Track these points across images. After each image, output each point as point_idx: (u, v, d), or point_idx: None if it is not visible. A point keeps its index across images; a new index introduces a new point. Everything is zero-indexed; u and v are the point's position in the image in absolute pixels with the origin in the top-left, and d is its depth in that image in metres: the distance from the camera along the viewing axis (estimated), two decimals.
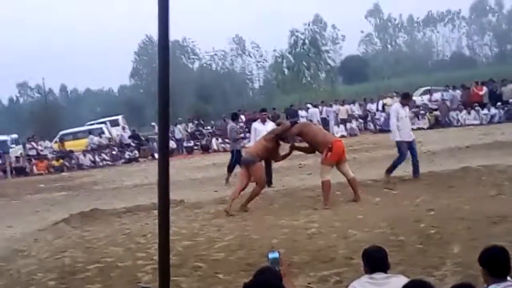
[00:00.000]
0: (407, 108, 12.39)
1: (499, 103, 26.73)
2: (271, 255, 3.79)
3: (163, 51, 2.09)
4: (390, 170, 11.93)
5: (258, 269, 4.08)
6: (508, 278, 3.73)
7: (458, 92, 28.95)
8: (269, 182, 12.90)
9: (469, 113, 26.64)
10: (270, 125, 13.41)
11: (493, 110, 26.34)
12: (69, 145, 30.66)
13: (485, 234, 7.00)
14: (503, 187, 9.78)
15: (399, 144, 11.98)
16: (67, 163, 28.42)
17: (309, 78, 46.84)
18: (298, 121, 12.45)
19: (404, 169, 13.38)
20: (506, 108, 26.34)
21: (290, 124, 11.16)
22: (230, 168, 15.16)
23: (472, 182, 10.59)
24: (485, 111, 26.51)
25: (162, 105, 2.06)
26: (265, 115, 14.28)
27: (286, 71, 48.80)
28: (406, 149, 11.90)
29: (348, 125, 29.44)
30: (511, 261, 3.77)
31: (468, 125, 25.65)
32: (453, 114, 27.30)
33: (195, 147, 30.43)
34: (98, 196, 15.75)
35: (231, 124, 16.28)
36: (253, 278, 3.73)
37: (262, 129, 13.37)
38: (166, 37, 2.07)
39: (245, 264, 7.03)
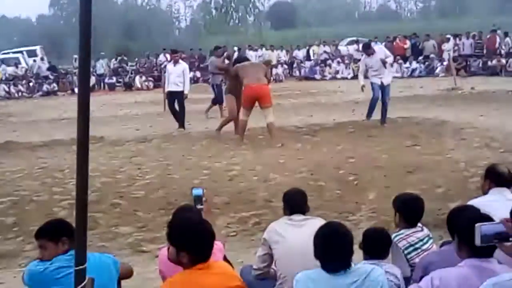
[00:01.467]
0: (374, 57, 12.15)
1: (420, 58, 27.51)
2: (195, 192, 3.78)
3: None
4: (369, 115, 12.25)
5: (178, 207, 4.07)
6: (419, 224, 3.89)
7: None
8: (181, 125, 13.06)
9: (391, 65, 27.20)
10: (181, 67, 13.42)
11: (415, 64, 27.10)
12: None
13: (400, 183, 7.27)
14: (419, 139, 10.14)
15: (372, 86, 12.18)
16: None
17: (237, 21, 46.33)
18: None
19: (326, 117, 13.66)
20: (426, 63, 27.15)
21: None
22: (214, 101, 15.42)
23: (390, 133, 10.92)
24: (407, 64, 27.23)
25: (83, 36, 1.95)
26: (176, 57, 13.97)
27: (214, 12, 47.99)
28: (378, 90, 12.08)
29: (274, 70, 29.51)
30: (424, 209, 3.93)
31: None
32: None
33: (118, 84, 29.66)
34: (12, 128, 15.14)
35: (212, 58, 16.01)
36: (174, 216, 3.71)
37: (173, 71, 13.36)
38: None
39: (165, 203, 7.01)
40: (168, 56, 31.57)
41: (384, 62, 11.86)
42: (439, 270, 2.87)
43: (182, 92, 13.24)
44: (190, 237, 2.90)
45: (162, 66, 29.96)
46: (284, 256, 4.02)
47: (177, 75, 13.26)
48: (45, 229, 3.42)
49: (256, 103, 10.70)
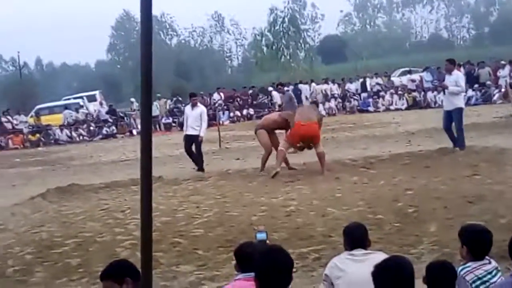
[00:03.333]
0: (448, 78, 12.32)
1: (476, 85, 27.01)
2: (259, 236, 3.82)
3: (146, 22, 2.05)
4: (462, 144, 11.91)
5: (241, 245, 4.09)
6: (486, 256, 3.80)
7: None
8: (201, 168, 12.93)
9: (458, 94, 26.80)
10: (198, 110, 13.21)
11: (470, 92, 26.59)
12: (46, 119, 30.29)
13: (461, 214, 7.12)
14: (478, 168, 9.90)
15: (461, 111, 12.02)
16: (43, 138, 28.12)
17: (288, 57, 46.75)
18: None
19: (381, 149, 13.54)
20: (482, 90, 26.64)
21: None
22: None
23: (448, 163, 10.71)
24: (443, 96, 26.73)
25: (145, 79, 2.04)
26: (194, 100, 13.59)
27: (265, 49, 48.60)
28: (444, 116, 12.20)
29: (327, 104, 29.54)
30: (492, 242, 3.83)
31: None
32: (431, 95, 27.52)
33: (173, 124, 30.31)
34: (75, 171, 15.63)
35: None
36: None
37: (190, 114, 13.19)
38: (149, 9, 2.04)
39: (224, 241, 7.06)
40: (222, 94, 32.19)
41: (443, 87, 11.83)
42: None
43: (198, 136, 13.00)
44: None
45: (217, 104, 30.53)
46: None
47: (195, 118, 13.05)
48: (109, 271, 3.51)
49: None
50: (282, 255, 2.99)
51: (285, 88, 14.58)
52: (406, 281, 2.95)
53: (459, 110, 11.99)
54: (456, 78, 12.14)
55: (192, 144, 13.13)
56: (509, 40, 54.99)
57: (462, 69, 28.31)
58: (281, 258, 2.95)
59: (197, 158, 13.16)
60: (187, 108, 13.72)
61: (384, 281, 2.98)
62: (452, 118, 12.00)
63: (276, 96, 29.43)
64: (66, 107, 31.95)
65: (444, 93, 12.33)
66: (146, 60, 2.07)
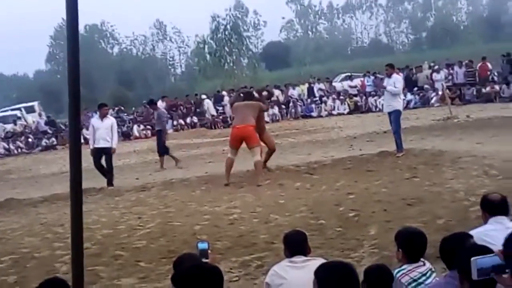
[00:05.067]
0: (387, 80, 12.69)
1: (415, 89, 27.69)
2: (200, 245, 3.77)
3: (72, 40, 1.99)
4: (400, 147, 12.14)
5: (179, 256, 4.04)
6: (421, 259, 3.87)
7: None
8: (110, 182, 12.51)
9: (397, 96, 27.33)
10: (109, 121, 12.69)
11: (409, 96, 27.24)
12: None
13: (400, 216, 7.27)
14: (417, 170, 10.14)
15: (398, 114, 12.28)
16: None
17: (231, 64, 46.78)
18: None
19: (324, 154, 13.70)
20: (421, 94, 27.32)
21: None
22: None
23: (389, 166, 10.92)
24: (402, 96, 27.34)
25: (72, 91, 1.98)
26: (105, 110, 12.95)
27: (208, 56, 48.52)
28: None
29: (271, 110, 29.67)
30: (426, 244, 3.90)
31: None
32: (371, 100, 28.05)
33: None
34: (13, 185, 15.18)
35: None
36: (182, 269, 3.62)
37: (100, 126, 12.55)
38: (75, 21, 1.98)
39: (166, 251, 6.97)
40: (164, 103, 31.94)
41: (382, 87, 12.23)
42: None
43: (110, 148, 12.55)
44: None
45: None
46: None
47: (106, 130, 12.46)
48: None
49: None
50: (209, 271, 2.91)
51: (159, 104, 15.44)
52: (352, 283, 2.95)
53: (397, 113, 12.27)
54: (395, 80, 12.44)
55: (101, 157, 12.47)
56: (445, 44, 56.78)
57: (401, 73, 29.09)
58: (206, 276, 2.86)
59: (109, 172, 12.58)
60: (95, 120, 12.97)
61: (331, 280, 2.95)
62: (391, 119, 12.32)
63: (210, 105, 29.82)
64: (1, 120, 31.01)
65: (383, 96, 12.60)
66: (73, 70, 2.01)
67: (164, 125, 16.18)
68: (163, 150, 15.36)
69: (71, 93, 2.04)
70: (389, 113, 12.41)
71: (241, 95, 12.53)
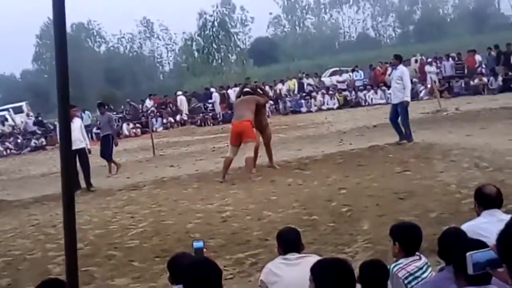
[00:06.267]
0: (393, 73, 12.85)
1: None
2: (196, 244, 3.75)
3: (59, 37, 1.96)
4: (409, 137, 12.27)
5: (172, 257, 4.02)
6: (416, 252, 3.88)
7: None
8: (88, 184, 12.20)
9: (376, 92, 27.52)
10: (78, 122, 12.59)
11: None
12: None
13: (393, 210, 7.29)
14: (408, 164, 10.15)
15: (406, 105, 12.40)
16: None
17: (219, 61, 46.69)
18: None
19: (314, 149, 13.71)
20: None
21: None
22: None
23: (380, 160, 10.92)
24: (391, 90, 27.45)
25: (61, 91, 1.94)
26: (74, 111, 12.73)
27: (196, 53, 48.36)
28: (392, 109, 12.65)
29: None
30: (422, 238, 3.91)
31: (375, 104, 26.50)
32: (361, 94, 28.11)
33: None
34: (3, 187, 15.07)
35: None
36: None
37: (72, 128, 12.31)
38: (62, 18, 1.95)
39: (160, 251, 6.95)
40: (152, 101, 31.91)
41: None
42: None
43: (85, 148, 12.39)
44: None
45: (149, 112, 30.19)
46: None
47: (77, 131, 12.17)
48: None
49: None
50: (209, 267, 2.95)
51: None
52: (349, 283, 2.95)
53: (405, 104, 12.37)
54: (401, 73, 12.51)
55: (76, 160, 11.70)
56: (432, 37, 56.98)
57: (389, 68, 29.18)
58: (208, 271, 2.91)
59: (87, 174, 12.26)
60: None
61: (325, 284, 2.95)
62: (398, 111, 12.46)
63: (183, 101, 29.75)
64: None
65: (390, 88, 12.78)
66: (61, 69, 1.98)
67: (114, 129, 15.84)
68: (110, 155, 14.88)
69: (60, 94, 2.00)
70: (396, 104, 12.54)
71: (248, 89, 12.41)
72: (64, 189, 2.07)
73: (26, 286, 6.07)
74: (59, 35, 1.96)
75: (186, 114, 29.82)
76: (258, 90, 12.27)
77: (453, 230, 3.73)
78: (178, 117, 29.99)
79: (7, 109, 34.00)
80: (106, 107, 17.22)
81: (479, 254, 2.56)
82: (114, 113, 31.95)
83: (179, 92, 31.66)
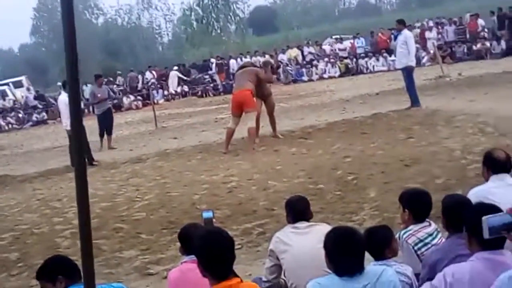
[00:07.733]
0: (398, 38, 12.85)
1: None
2: (205, 214, 3.76)
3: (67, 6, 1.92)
4: (416, 101, 12.25)
5: (183, 227, 4.02)
6: (426, 219, 3.86)
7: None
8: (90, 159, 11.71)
9: (377, 59, 27.33)
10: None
11: None
12: None
13: (398, 177, 7.28)
14: (412, 131, 10.12)
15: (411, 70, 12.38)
16: None
17: (218, 31, 46.37)
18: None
19: (317, 118, 13.67)
20: None
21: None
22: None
23: (383, 128, 10.88)
24: (392, 57, 27.25)
25: (70, 64, 1.90)
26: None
27: (195, 24, 47.97)
28: None
29: None
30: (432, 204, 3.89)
31: (377, 71, 26.35)
32: (362, 61, 27.92)
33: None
34: (6, 162, 15.08)
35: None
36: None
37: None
38: None
39: (167, 222, 6.98)
40: (154, 73, 31.68)
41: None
42: (452, 266, 2.85)
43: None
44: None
45: (150, 83, 30.03)
46: (292, 265, 4.01)
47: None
48: (41, 271, 3.45)
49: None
50: (221, 236, 2.96)
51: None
52: (358, 249, 2.96)
53: (409, 69, 12.31)
54: (405, 37, 12.42)
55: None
56: (434, 2, 56.33)
57: (392, 34, 28.92)
58: (219, 240, 2.92)
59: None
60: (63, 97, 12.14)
61: (336, 250, 2.96)
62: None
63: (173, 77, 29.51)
64: None
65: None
66: (70, 42, 1.94)
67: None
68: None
69: (69, 62, 1.95)
70: (402, 70, 12.52)
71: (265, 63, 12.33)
72: (76, 161, 2.05)
73: (35, 259, 6.10)
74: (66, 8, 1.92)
75: (174, 90, 29.61)
76: (269, 67, 12.01)
77: (458, 198, 3.69)
78: (179, 89, 29.85)
79: (7, 84, 33.80)
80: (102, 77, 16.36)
81: (494, 218, 2.56)
82: (115, 85, 31.83)
83: (175, 68, 31.31)
